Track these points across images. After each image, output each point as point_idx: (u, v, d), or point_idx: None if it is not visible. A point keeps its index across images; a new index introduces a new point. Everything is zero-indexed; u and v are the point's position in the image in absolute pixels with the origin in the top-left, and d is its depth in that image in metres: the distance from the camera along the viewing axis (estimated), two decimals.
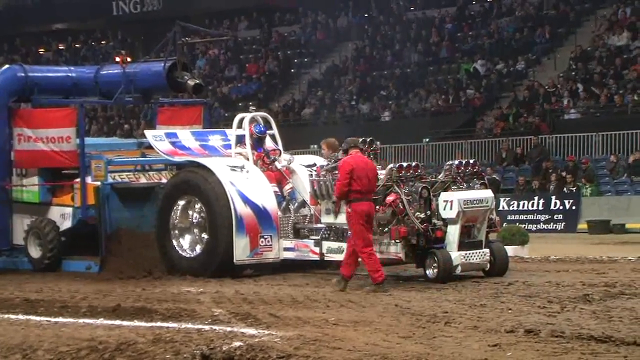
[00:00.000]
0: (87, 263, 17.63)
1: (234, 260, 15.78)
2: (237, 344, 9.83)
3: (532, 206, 27.91)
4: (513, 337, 9.88)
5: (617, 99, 32.05)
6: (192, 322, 11.60)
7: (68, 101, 19.03)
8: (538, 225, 27.41)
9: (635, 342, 9.38)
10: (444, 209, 14.53)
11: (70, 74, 19.77)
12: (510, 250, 18.79)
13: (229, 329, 10.99)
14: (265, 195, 16.04)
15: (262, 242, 15.84)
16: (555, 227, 27.40)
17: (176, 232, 16.52)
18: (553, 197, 27.80)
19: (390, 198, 14.42)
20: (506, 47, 38.04)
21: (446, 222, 14.52)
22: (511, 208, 28.03)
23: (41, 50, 53.88)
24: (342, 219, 15.18)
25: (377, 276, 13.73)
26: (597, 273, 15.28)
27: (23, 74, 19.04)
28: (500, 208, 27.78)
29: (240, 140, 17.20)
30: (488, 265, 14.89)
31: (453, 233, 14.48)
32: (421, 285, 13.98)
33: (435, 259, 14.32)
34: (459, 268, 14.48)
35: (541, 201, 27.86)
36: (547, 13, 39.04)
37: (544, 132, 32.06)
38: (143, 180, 18.31)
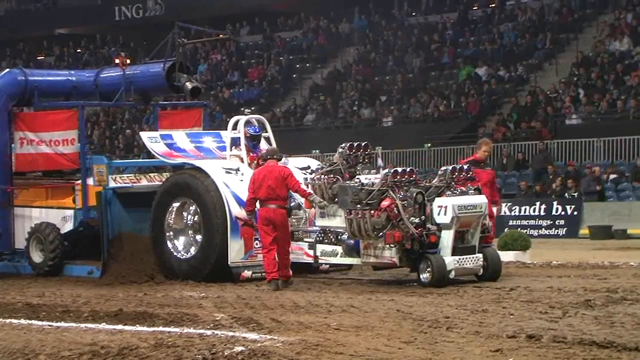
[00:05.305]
0: (89, 267, 17.60)
1: (229, 262, 15.78)
2: (239, 348, 9.83)
3: (534, 211, 27.88)
4: (515, 343, 9.87)
5: (619, 105, 32.06)
6: (194, 327, 11.60)
7: (67, 103, 19.00)
8: (540, 231, 27.38)
9: (637, 348, 9.37)
10: (439, 214, 14.54)
11: (70, 77, 19.78)
12: (512, 255, 18.83)
13: (230, 333, 10.98)
14: None
15: (256, 244, 15.80)
16: (557, 232, 27.37)
17: (170, 233, 16.50)
18: (555, 203, 27.78)
19: (385, 203, 14.43)
20: (508, 52, 38.05)
21: (440, 227, 14.53)
22: (513, 213, 28.01)
23: (41, 57, 53.86)
24: (337, 222, 15.23)
25: (268, 275, 14.84)
26: (599, 278, 15.26)
27: (23, 78, 19.02)
28: (502, 213, 27.80)
29: (235, 142, 17.18)
30: (481, 270, 14.91)
31: (447, 238, 14.50)
32: (423, 290, 13.97)
33: (429, 263, 14.35)
34: (453, 273, 14.50)
35: (543, 206, 27.84)
36: (549, 19, 39.06)
37: (545, 138, 32.07)
38: (144, 181, 18.29)
